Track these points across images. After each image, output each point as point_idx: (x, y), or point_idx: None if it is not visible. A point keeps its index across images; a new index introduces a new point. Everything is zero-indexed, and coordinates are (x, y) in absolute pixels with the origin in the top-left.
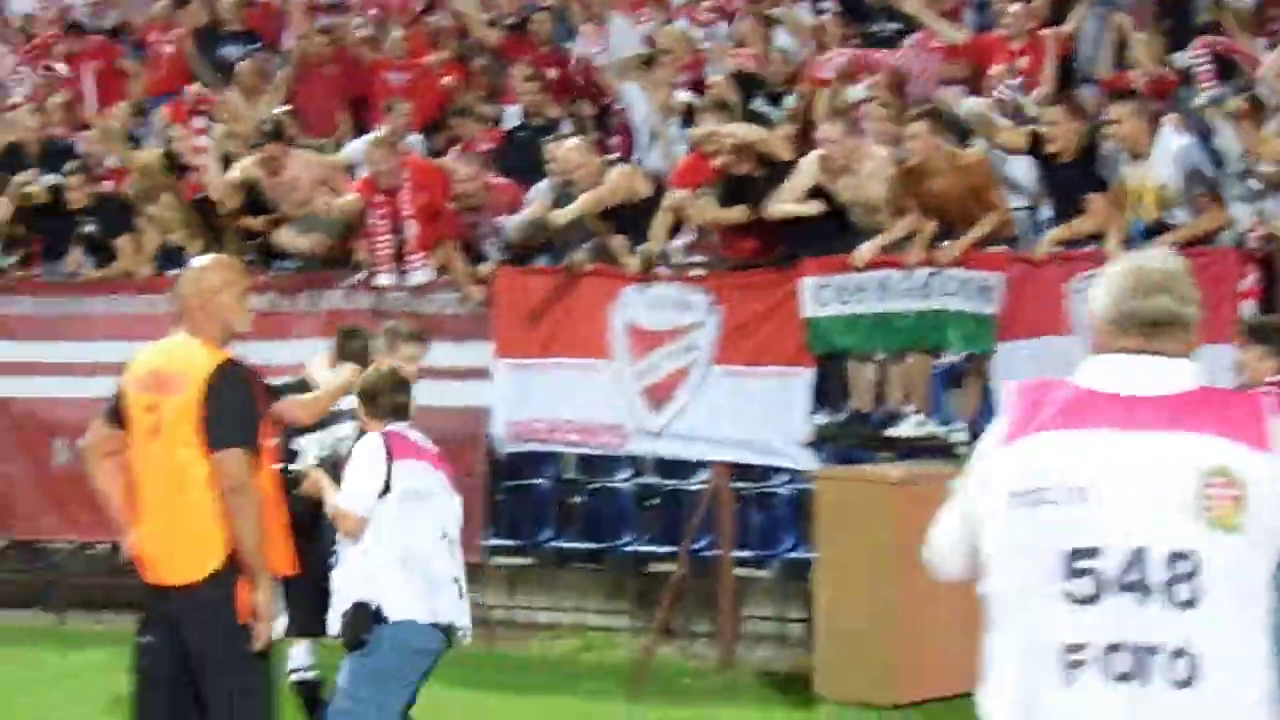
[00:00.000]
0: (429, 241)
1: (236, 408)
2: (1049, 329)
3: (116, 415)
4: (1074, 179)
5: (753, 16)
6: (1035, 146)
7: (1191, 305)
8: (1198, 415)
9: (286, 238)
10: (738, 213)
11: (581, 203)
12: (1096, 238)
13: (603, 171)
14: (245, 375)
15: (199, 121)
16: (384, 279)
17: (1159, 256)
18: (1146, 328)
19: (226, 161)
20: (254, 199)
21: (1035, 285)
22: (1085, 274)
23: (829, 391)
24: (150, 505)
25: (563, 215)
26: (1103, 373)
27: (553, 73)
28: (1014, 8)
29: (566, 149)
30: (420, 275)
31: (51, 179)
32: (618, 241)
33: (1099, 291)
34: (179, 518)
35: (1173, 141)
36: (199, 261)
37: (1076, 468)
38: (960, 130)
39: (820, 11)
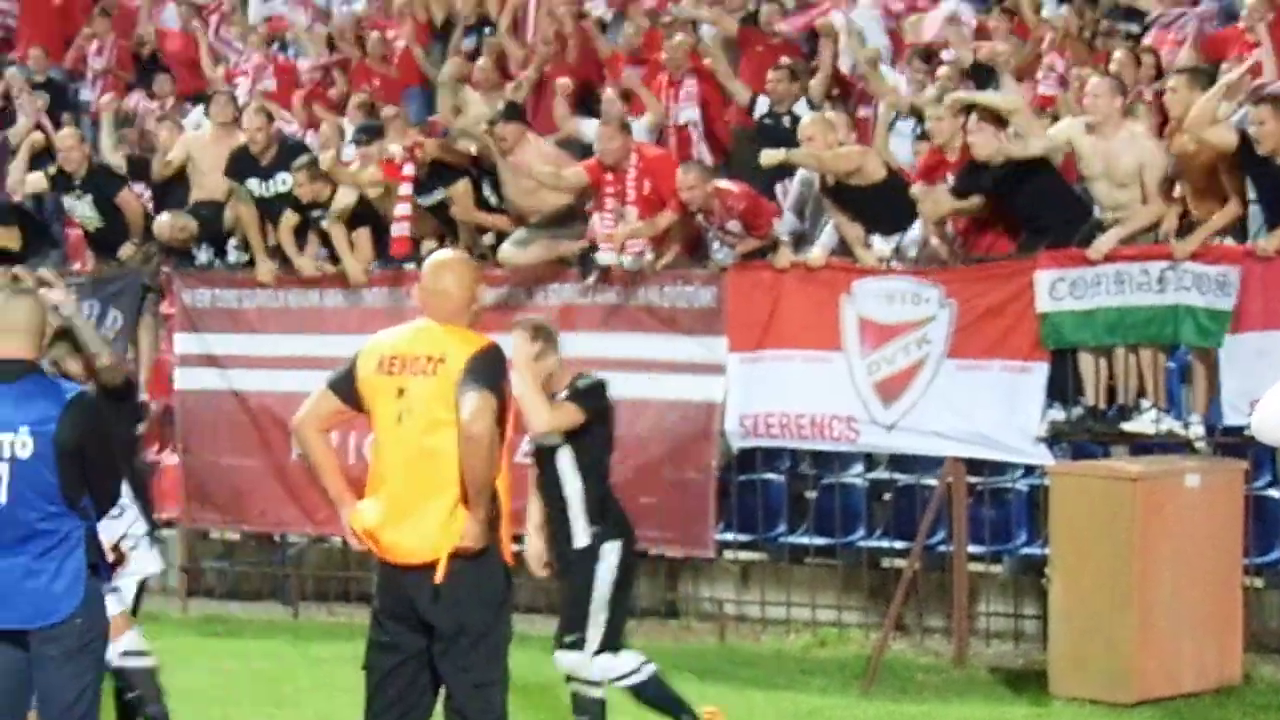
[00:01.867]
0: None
1: (492, 373)
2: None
3: (348, 394)
4: None
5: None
6: (1245, 147)
7: None
8: None
9: (506, 252)
10: (974, 203)
11: (804, 155)
12: None
13: (839, 143)
14: (504, 361)
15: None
16: (605, 258)
17: None
18: None
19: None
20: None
21: (1265, 278)
22: None
23: (1063, 386)
24: (397, 488)
25: (773, 157)
26: None
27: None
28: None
29: (808, 120)
30: (637, 262)
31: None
32: (853, 232)
33: None
34: (427, 500)
35: None
36: (437, 256)
37: None
38: None
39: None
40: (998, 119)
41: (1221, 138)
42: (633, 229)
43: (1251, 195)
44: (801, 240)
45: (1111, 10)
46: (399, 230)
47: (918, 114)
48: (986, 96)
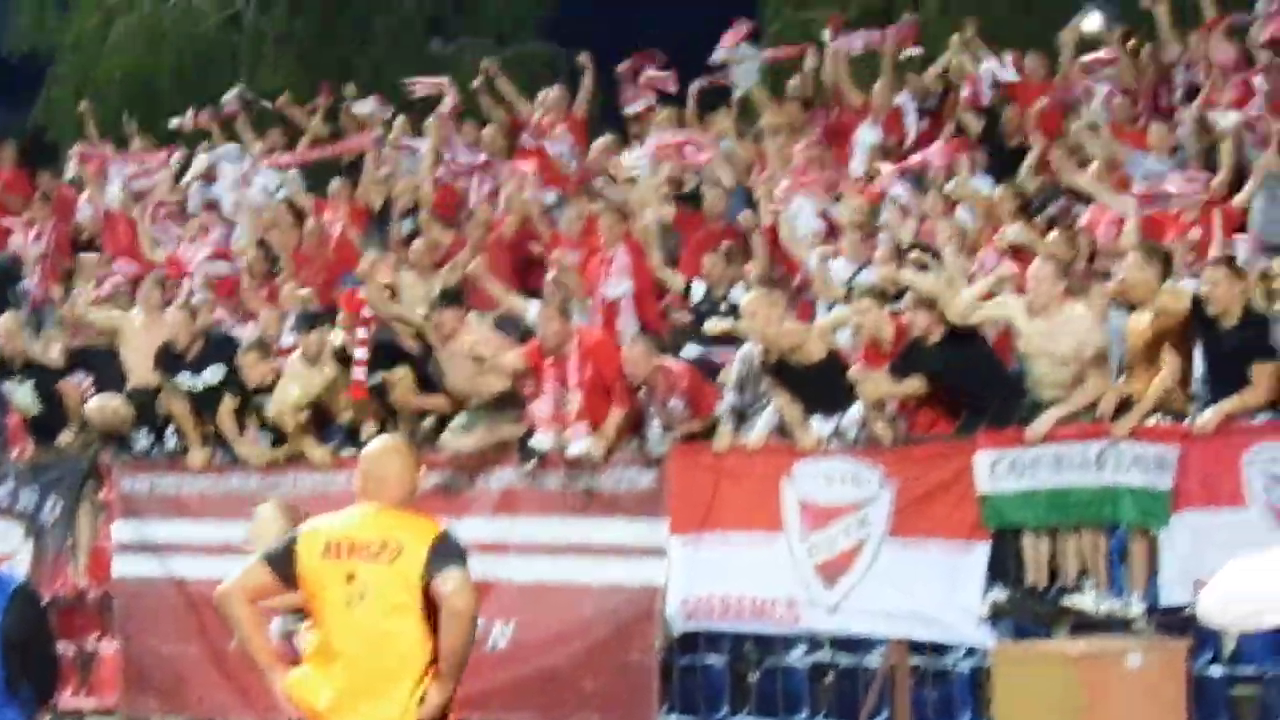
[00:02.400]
0: (592, 414)
1: (462, 552)
2: (1220, 501)
3: (285, 574)
4: (1238, 345)
5: (934, 190)
6: (1197, 311)
7: None
8: None
9: (449, 438)
10: (913, 385)
11: (749, 327)
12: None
13: (782, 320)
14: (462, 547)
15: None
16: (545, 444)
17: None
18: None
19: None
20: (425, 375)
21: (1203, 457)
22: (1260, 445)
23: (1004, 566)
24: (354, 670)
25: (718, 326)
26: None
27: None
28: (1182, 181)
29: (752, 295)
30: (581, 446)
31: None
32: (793, 413)
33: None
34: (388, 683)
35: None
36: (378, 442)
37: None
38: None
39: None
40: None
41: (1179, 301)
42: (588, 442)
43: (1197, 372)
44: (742, 418)
45: (1049, 190)
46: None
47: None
48: (918, 278)
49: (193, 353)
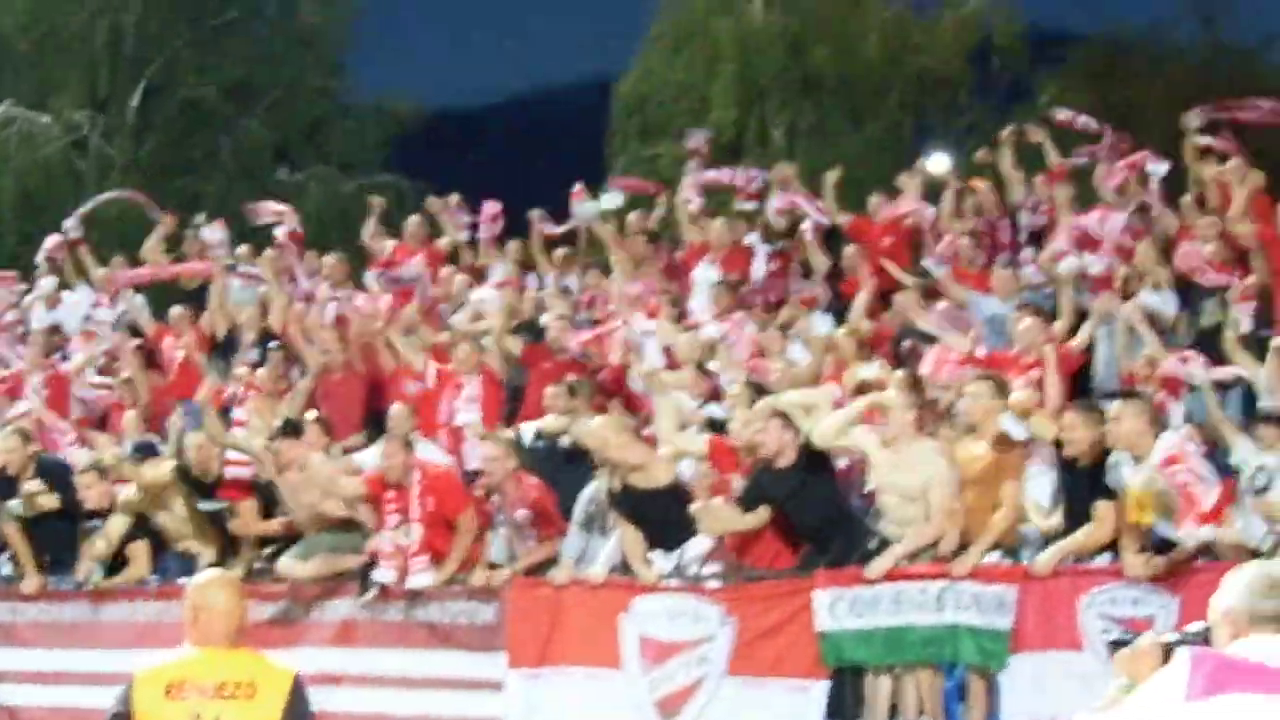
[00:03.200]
0: (433, 547)
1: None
2: (1058, 644)
3: None
4: (1086, 485)
5: (774, 327)
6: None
7: None
8: None
9: (285, 565)
10: (756, 519)
11: (592, 436)
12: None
13: (629, 446)
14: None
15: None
16: (385, 576)
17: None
18: (1275, 621)
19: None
20: (269, 500)
21: (1042, 598)
22: (1099, 588)
23: (842, 704)
24: None
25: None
26: (1270, 649)
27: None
28: (1025, 323)
29: (601, 420)
30: (421, 580)
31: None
32: (635, 548)
33: (1237, 589)
34: None
35: (1173, 444)
36: (205, 575)
37: None
38: None
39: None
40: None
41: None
42: (428, 575)
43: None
44: (583, 559)
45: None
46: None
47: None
48: (788, 396)
49: (26, 478)
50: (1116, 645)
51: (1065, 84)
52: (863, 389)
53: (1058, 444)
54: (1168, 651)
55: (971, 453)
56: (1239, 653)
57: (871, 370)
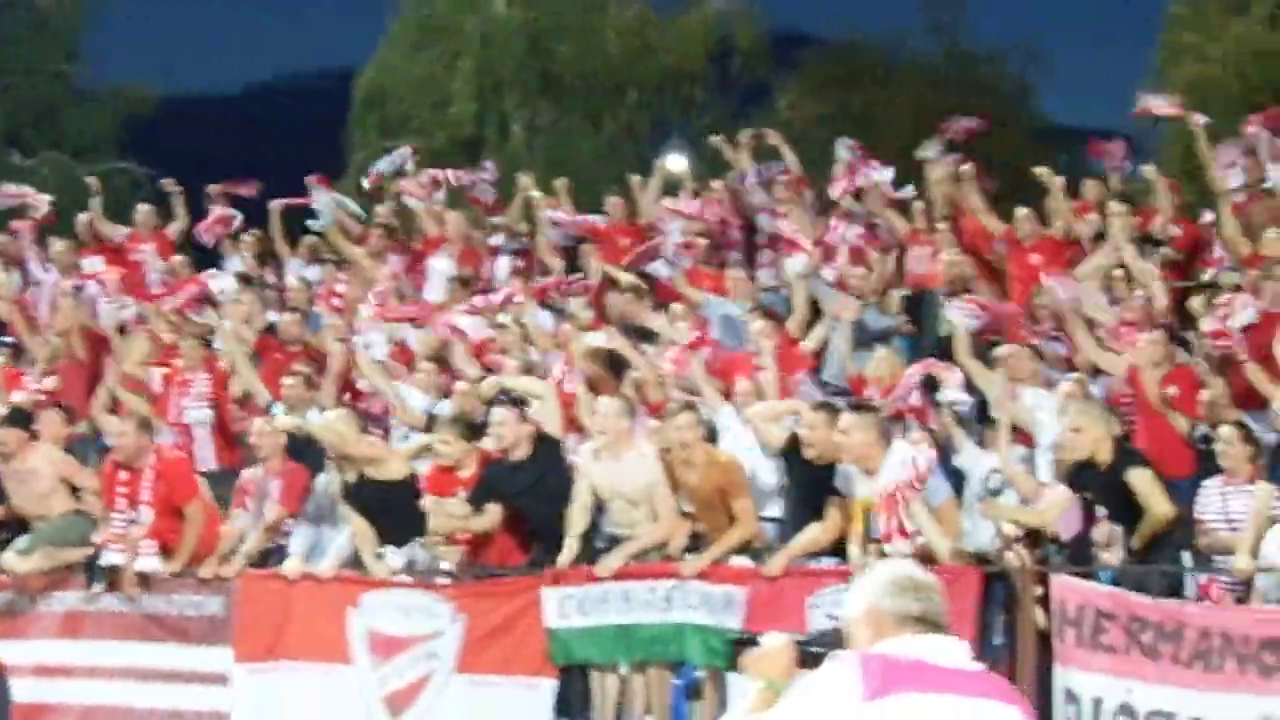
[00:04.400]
0: (162, 535)
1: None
2: None
3: None
4: (824, 484)
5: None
6: (794, 449)
7: None
8: (997, 686)
9: (8, 560)
10: (489, 519)
11: (324, 430)
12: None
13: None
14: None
15: None
16: (113, 558)
17: (915, 565)
18: (927, 624)
19: None
20: None
21: (771, 599)
22: (826, 589)
23: (571, 702)
24: None
25: (289, 423)
26: (926, 648)
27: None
28: (756, 325)
29: (336, 413)
30: (148, 563)
31: None
32: (366, 544)
33: (878, 589)
34: None
35: (907, 456)
36: None
37: None
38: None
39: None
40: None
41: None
42: (155, 560)
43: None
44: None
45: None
46: None
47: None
48: (522, 381)
49: None
50: (742, 645)
51: (804, 88)
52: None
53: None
54: (803, 653)
55: (690, 479)
56: (899, 651)
57: (599, 338)
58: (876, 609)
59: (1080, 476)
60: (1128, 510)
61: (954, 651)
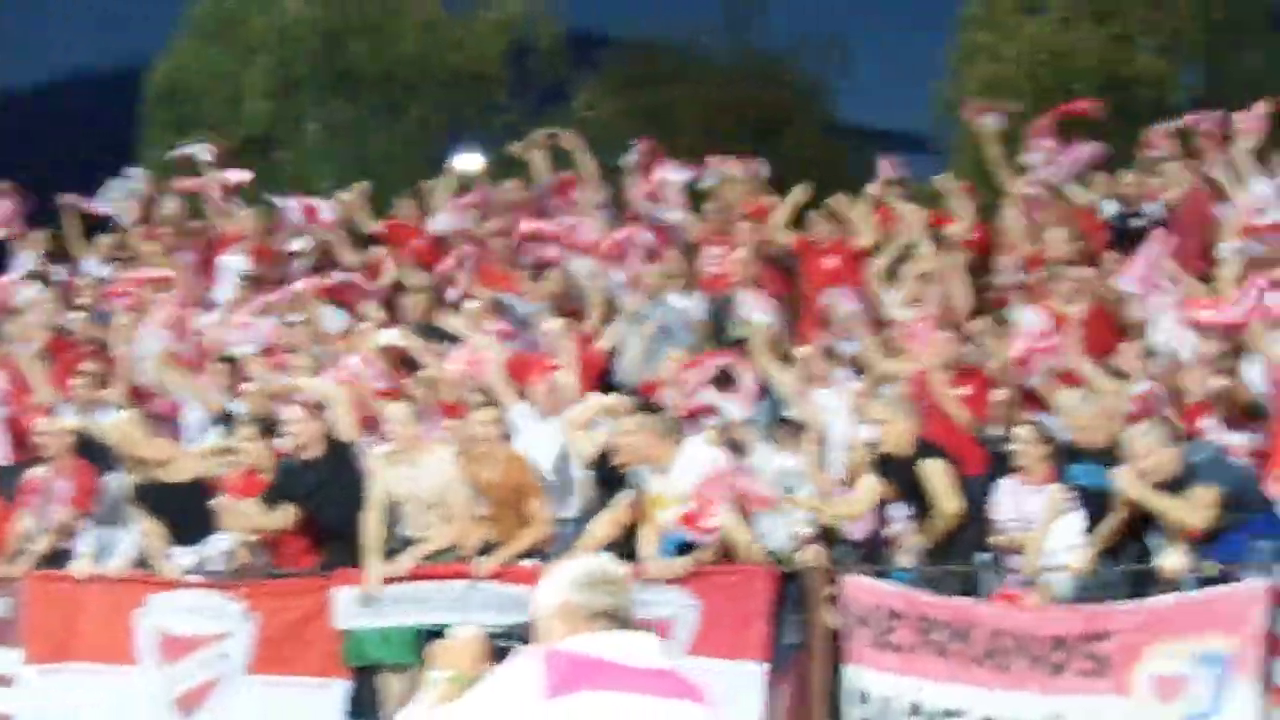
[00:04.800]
0: None
1: None
2: None
3: None
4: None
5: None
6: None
7: None
8: (684, 685)
9: None
10: (282, 518)
11: (114, 430)
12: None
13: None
14: None
15: None
16: None
17: (609, 560)
18: (617, 619)
19: None
20: None
21: None
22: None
23: (364, 702)
24: None
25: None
26: (615, 644)
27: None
28: (548, 325)
29: (118, 417)
30: None
31: None
32: (156, 543)
33: (569, 584)
34: None
35: (700, 455)
36: None
37: None
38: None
39: None
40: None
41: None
42: None
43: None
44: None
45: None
46: None
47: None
48: (311, 382)
49: None
50: (429, 637)
51: (601, 87)
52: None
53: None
54: (492, 645)
55: (489, 476)
56: (584, 649)
57: (392, 336)
58: (568, 604)
59: (883, 470)
60: (924, 504)
61: (644, 648)
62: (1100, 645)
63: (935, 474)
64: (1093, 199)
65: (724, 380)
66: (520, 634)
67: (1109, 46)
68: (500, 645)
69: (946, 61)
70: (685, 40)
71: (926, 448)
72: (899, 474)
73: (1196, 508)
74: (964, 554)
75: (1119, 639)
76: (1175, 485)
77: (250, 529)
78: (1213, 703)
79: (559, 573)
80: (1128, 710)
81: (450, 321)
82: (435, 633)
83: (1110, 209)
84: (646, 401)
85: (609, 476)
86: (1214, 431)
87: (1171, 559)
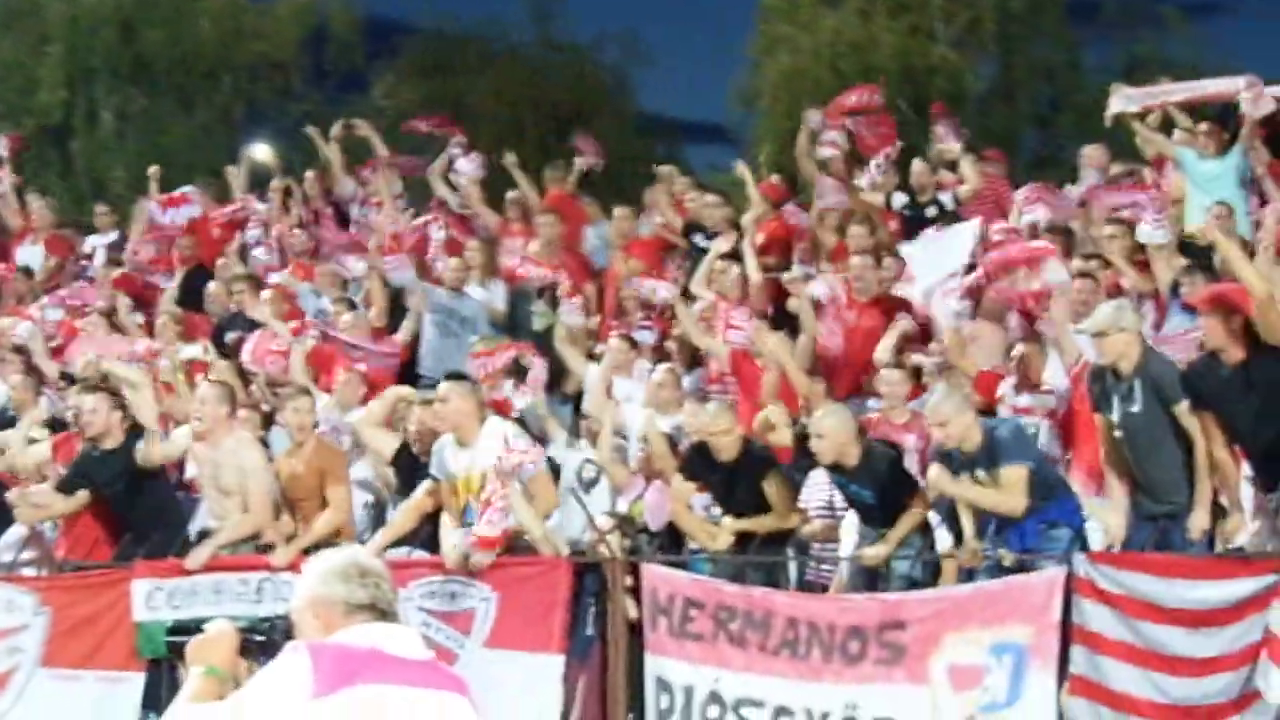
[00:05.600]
0: None
1: None
2: None
3: None
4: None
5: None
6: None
7: None
8: (447, 677)
9: None
10: (73, 503)
11: None
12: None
13: None
14: None
15: None
16: None
17: (364, 552)
18: (377, 611)
19: None
20: None
21: None
22: (418, 581)
23: (159, 695)
24: None
25: None
26: (379, 637)
27: None
28: (345, 317)
29: None
30: None
31: None
32: None
33: (325, 577)
34: None
35: (499, 431)
36: None
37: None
38: None
39: None
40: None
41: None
42: None
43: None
44: None
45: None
46: None
47: None
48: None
49: None
50: (176, 633)
51: (399, 76)
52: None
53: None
54: (245, 640)
55: (291, 466)
56: (353, 642)
57: (195, 350)
58: (326, 597)
59: (698, 466)
60: (737, 499)
61: (408, 641)
62: (898, 634)
63: (776, 489)
64: (884, 190)
65: (519, 371)
66: (273, 629)
67: (907, 38)
68: (256, 640)
69: (747, 53)
70: (485, 29)
71: (753, 454)
72: (718, 473)
73: (1011, 493)
74: (767, 544)
75: (917, 628)
76: (980, 461)
77: (44, 517)
78: (1009, 692)
79: (316, 565)
80: (923, 700)
81: (260, 311)
82: (186, 628)
83: (900, 200)
84: (458, 371)
85: (408, 467)
86: (1010, 397)
87: (967, 547)
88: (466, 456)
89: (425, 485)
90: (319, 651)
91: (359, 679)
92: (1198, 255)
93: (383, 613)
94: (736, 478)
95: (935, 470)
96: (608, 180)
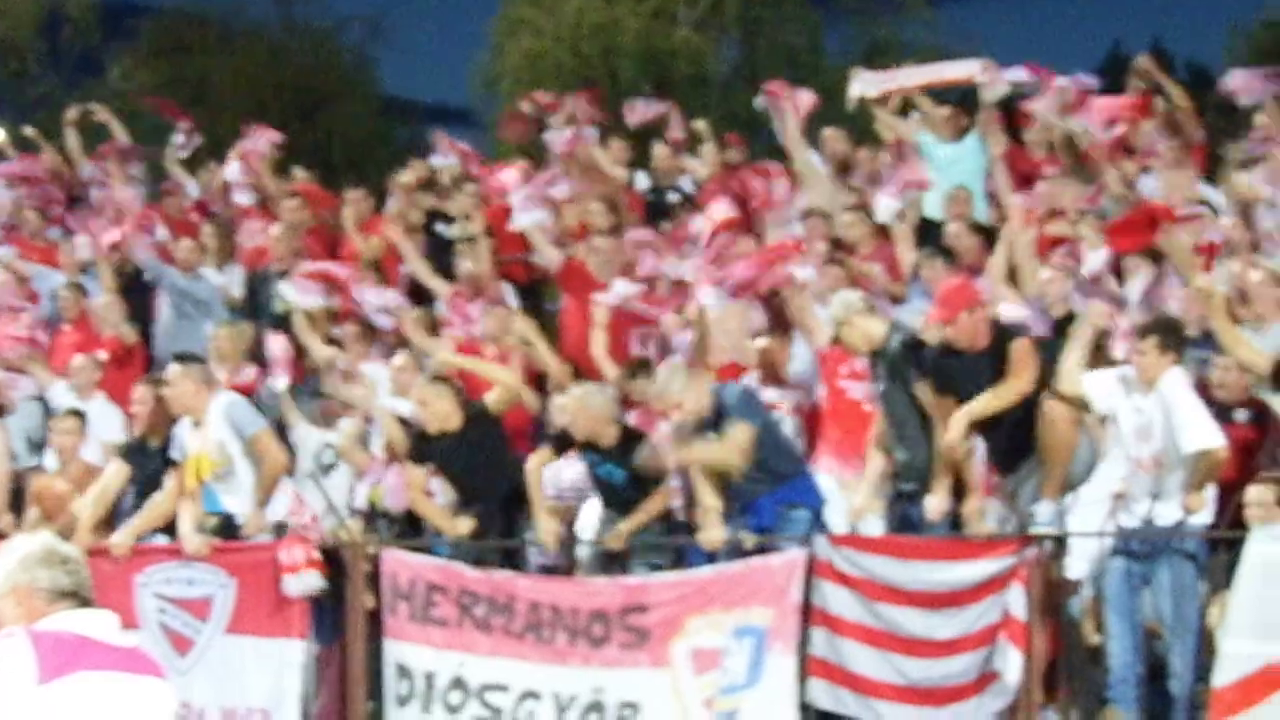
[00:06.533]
0: None
1: None
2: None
3: None
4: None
5: None
6: None
7: None
8: (148, 662)
9: None
10: None
11: None
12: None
13: None
14: None
15: None
16: None
17: (58, 539)
18: (79, 598)
19: None
20: None
21: (99, 578)
22: (154, 567)
23: None
24: None
25: None
26: (84, 624)
27: None
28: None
29: None
30: None
31: None
32: None
33: (21, 564)
34: None
35: (222, 401)
36: None
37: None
38: None
39: None
40: None
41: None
42: None
43: None
44: None
45: None
46: None
47: None
48: None
49: None
50: None
51: (137, 59)
52: None
53: None
54: None
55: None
56: (67, 628)
57: None
58: (28, 585)
59: (427, 449)
60: (470, 481)
61: (110, 627)
62: (640, 618)
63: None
64: (625, 171)
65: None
66: None
67: (650, 21)
68: None
69: (490, 36)
70: (224, 10)
71: (478, 426)
72: (443, 454)
73: (734, 449)
74: (507, 528)
75: (659, 612)
76: (708, 424)
77: None
78: (749, 674)
79: (10, 552)
80: (664, 683)
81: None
82: None
83: (643, 183)
84: (183, 353)
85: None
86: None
87: (711, 533)
88: (199, 436)
89: (171, 474)
90: (39, 638)
91: (79, 666)
92: (934, 238)
93: (84, 600)
94: (461, 444)
95: (663, 437)
96: (349, 164)
